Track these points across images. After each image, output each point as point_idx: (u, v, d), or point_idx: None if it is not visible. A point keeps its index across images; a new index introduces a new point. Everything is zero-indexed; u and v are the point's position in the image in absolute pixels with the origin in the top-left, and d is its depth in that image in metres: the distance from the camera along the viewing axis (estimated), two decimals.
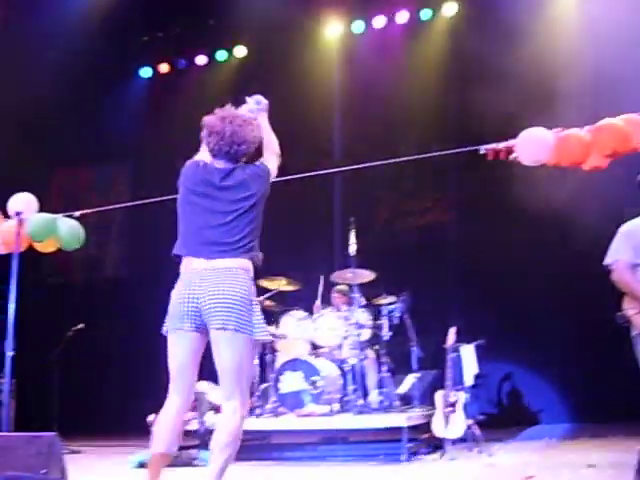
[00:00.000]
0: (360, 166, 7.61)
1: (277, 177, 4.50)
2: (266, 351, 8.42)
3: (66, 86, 11.45)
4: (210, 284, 4.08)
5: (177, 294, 4.17)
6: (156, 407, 6.51)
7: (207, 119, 4.30)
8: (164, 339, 4.21)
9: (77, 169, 13.95)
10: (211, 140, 4.25)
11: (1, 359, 7.00)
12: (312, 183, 8.79)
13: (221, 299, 4.04)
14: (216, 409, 8.04)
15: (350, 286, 8.50)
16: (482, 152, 6.69)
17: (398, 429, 7.27)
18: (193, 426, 7.73)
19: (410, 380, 8.40)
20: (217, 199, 4.20)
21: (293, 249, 10.92)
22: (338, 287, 8.82)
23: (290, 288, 8.79)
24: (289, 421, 7.77)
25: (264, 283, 8.62)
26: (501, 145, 6.56)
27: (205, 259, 4.14)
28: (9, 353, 6.85)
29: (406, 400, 8.27)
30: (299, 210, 11.25)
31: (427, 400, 7.98)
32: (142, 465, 6.52)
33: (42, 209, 7.83)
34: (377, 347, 8.36)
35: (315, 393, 7.81)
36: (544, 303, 9.87)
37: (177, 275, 4.31)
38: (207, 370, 8.15)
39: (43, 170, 12.66)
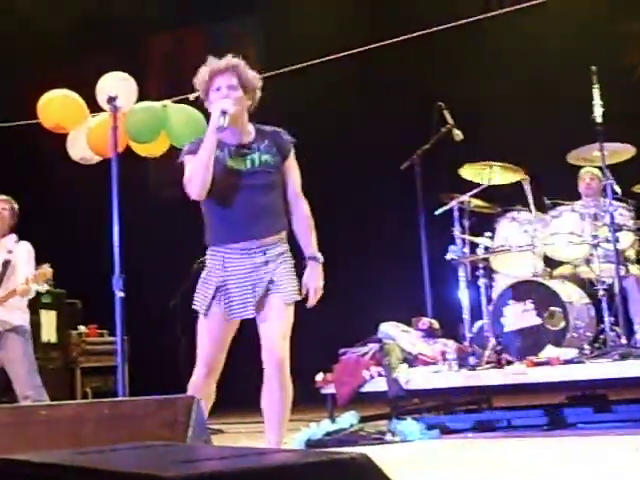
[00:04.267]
0: None
1: None
2: (479, 272, 6.95)
3: None
4: None
5: None
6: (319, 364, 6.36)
7: None
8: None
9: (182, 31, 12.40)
10: None
11: (108, 303, 5.77)
12: None
13: None
14: (410, 361, 6.70)
15: (600, 169, 6.88)
16: None
17: None
18: (378, 386, 6.52)
19: None
20: None
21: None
22: (585, 169, 7.27)
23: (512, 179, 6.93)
24: (518, 373, 6.46)
25: (466, 173, 6.92)
26: None
27: None
28: (118, 293, 5.60)
29: None
30: None
31: None
32: (312, 444, 5.77)
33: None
34: None
35: (555, 330, 6.57)
36: None
37: None
38: (393, 307, 7.52)
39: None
